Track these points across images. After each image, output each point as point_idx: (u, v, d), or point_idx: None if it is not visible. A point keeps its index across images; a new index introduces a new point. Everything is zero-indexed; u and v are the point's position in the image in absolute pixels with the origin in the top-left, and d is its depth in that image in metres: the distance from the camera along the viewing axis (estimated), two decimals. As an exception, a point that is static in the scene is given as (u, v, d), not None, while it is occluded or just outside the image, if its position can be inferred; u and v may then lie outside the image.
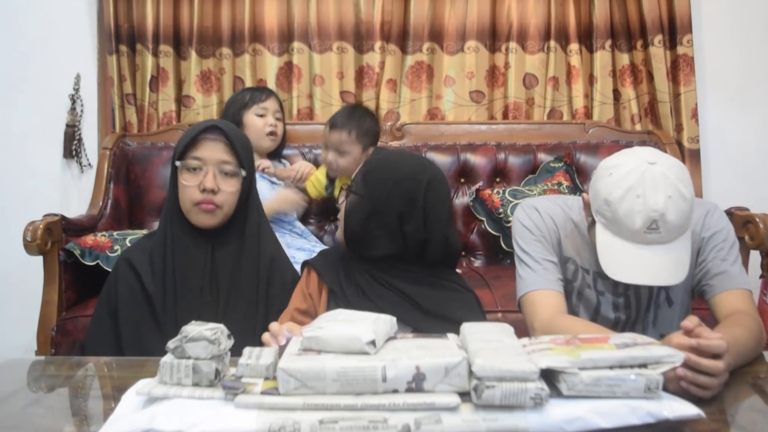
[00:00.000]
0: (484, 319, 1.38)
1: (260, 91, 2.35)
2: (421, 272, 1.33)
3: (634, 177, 1.16)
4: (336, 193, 2.23)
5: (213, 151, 1.40)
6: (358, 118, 2.21)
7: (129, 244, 2.03)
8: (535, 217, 1.39)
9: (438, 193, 1.31)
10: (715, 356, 0.95)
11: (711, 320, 1.24)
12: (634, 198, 1.15)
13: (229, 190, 1.41)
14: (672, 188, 1.15)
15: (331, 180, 2.31)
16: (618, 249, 1.20)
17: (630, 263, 1.18)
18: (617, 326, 1.38)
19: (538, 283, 1.33)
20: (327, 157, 2.22)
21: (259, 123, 2.29)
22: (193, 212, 1.41)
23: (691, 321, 0.98)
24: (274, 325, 1.10)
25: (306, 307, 1.35)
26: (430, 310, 1.28)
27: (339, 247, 1.43)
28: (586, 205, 1.29)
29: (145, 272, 1.43)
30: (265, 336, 1.10)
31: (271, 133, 2.31)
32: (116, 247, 2.06)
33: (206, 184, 1.38)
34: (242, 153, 1.43)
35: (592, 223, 1.29)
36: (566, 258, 1.39)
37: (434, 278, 1.34)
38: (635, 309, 1.39)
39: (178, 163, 1.40)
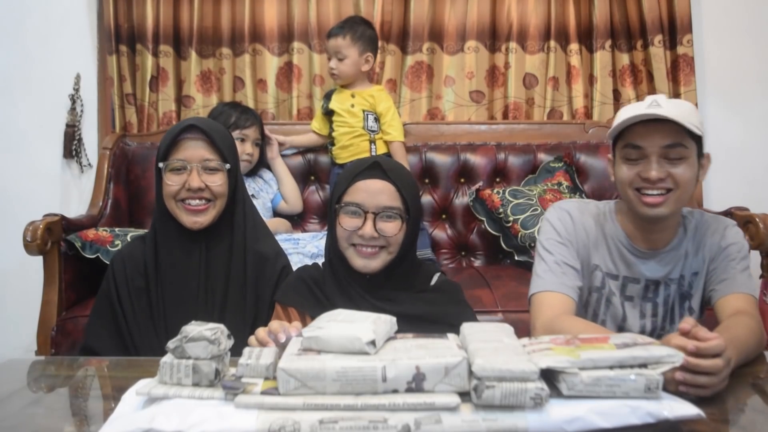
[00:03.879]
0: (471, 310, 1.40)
1: (245, 116, 2.34)
2: (405, 282, 1.35)
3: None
4: (330, 105, 2.41)
5: (195, 150, 1.41)
6: (352, 24, 2.40)
7: (130, 240, 2.03)
8: (567, 221, 1.40)
9: None
10: (714, 355, 0.96)
11: (711, 323, 1.24)
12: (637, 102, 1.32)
13: (217, 183, 1.42)
14: (676, 100, 1.30)
15: (327, 98, 2.47)
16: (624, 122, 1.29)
17: (633, 115, 1.27)
18: None
19: (552, 284, 1.34)
20: (330, 65, 2.41)
21: (237, 147, 2.31)
22: (179, 212, 1.41)
23: (688, 322, 0.98)
24: (260, 332, 1.10)
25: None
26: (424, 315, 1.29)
27: (310, 269, 1.41)
28: (609, 162, 1.40)
29: (141, 273, 1.44)
30: (252, 341, 1.10)
31: (247, 160, 2.35)
32: (117, 242, 2.07)
33: (191, 184, 1.39)
34: (224, 148, 1.44)
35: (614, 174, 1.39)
36: (594, 266, 1.40)
37: (418, 285, 1.36)
38: (661, 317, 1.40)
39: (161, 165, 1.41)
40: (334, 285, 1.34)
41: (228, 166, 1.44)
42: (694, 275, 1.38)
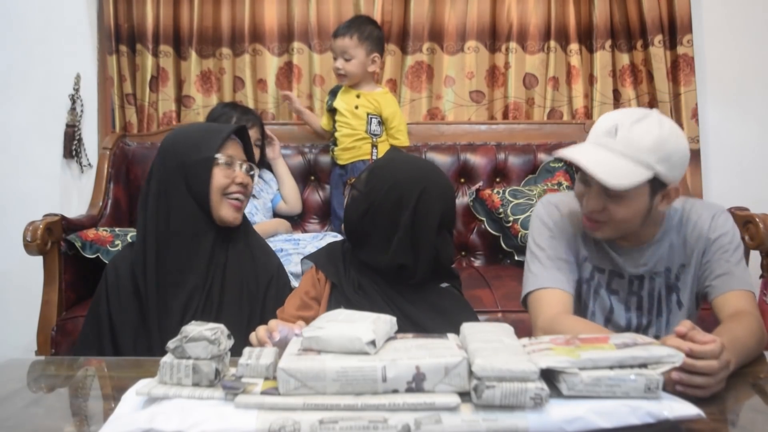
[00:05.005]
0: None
1: (246, 117, 2.34)
2: (410, 289, 1.34)
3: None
4: (334, 103, 2.41)
5: (238, 150, 1.50)
6: (359, 24, 2.38)
7: (130, 240, 2.03)
8: (555, 215, 1.39)
9: (430, 203, 1.29)
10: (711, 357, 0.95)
11: (711, 321, 1.24)
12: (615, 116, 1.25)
13: (252, 184, 1.51)
14: (655, 120, 1.21)
15: (332, 94, 2.46)
16: (576, 146, 1.29)
17: (577, 150, 1.26)
18: (630, 331, 1.38)
19: (548, 281, 1.32)
20: (336, 65, 2.38)
21: None
22: (222, 205, 1.44)
23: (684, 325, 0.98)
24: (260, 330, 1.11)
25: (315, 294, 1.38)
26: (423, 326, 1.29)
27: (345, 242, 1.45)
28: None
29: (132, 275, 1.44)
30: (252, 338, 1.10)
31: None
32: (117, 242, 2.07)
33: (243, 179, 1.46)
34: (252, 154, 1.55)
35: None
36: (584, 257, 1.38)
37: (426, 296, 1.35)
38: (647, 310, 1.38)
39: (218, 156, 1.43)
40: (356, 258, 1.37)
41: (257, 172, 1.54)
42: (681, 267, 1.36)
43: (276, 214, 2.45)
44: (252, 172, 1.52)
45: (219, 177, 1.43)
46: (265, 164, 2.47)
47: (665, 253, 1.35)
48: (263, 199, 2.41)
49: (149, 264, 1.42)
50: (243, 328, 1.30)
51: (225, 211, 1.44)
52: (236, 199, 1.46)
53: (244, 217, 1.55)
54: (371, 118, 2.37)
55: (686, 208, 1.37)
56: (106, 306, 1.44)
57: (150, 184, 1.46)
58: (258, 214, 2.34)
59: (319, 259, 1.42)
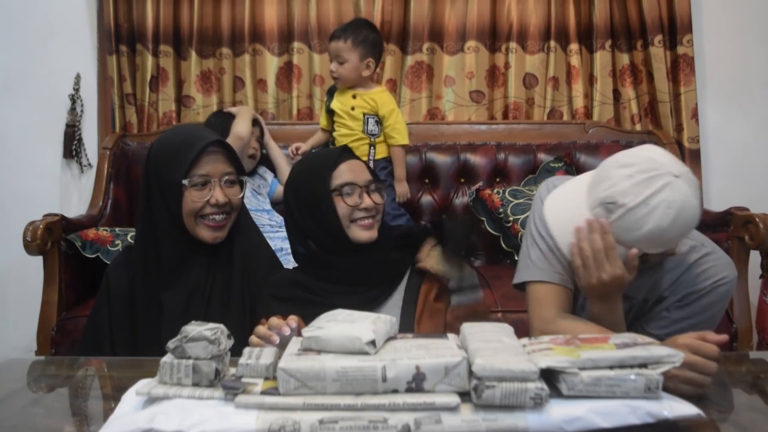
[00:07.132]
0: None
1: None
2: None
3: (659, 183, 1.07)
4: (331, 105, 2.40)
5: (216, 164, 1.38)
6: (355, 27, 2.35)
7: (130, 240, 2.03)
8: None
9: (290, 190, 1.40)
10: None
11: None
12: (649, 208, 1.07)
13: (236, 195, 1.41)
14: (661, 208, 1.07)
15: (330, 94, 2.44)
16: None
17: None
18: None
19: (547, 273, 1.28)
20: (331, 68, 2.37)
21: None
22: (198, 228, 1.38)
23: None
24: (260, 329, 1.10)
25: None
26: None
27: (281, 278, 1.43)
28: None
29: (132, 286, 1.42)
30: (254, 339, 1.10)
31: (251, 156, 2.41)
32: (117, 242, 2.07)
33: (218, 199, 1.36)
34: (238, 161, 1.44)
35: None
36: None
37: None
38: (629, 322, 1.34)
39: (185, 182, 1.35)
40: (316, 281, 1.36)
41: (244, 178, 1.44)
42: (657, 301, 1.29)
43: (275, 201, 2.45)
44: (244, 183, 1.43)
45: (189, 202, 1.36)
46: (263, 160, 2.50)
47: (647, 284, 1.28)
48: (263, 194, 2.42)
49: (138, 279, 1.41)
50: (246, 332, 1.29)
51: (202, 233, 1.38)
52: (213, 219, 1.38)
53: (248, 221, 1.51)
54: (368, 118, 2.35)
55: (703, 253, 1.26)
56: (107, 313, 1.42)
57: (141, 194, 1.45)
58: (263, 210, 2.37)
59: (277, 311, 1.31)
